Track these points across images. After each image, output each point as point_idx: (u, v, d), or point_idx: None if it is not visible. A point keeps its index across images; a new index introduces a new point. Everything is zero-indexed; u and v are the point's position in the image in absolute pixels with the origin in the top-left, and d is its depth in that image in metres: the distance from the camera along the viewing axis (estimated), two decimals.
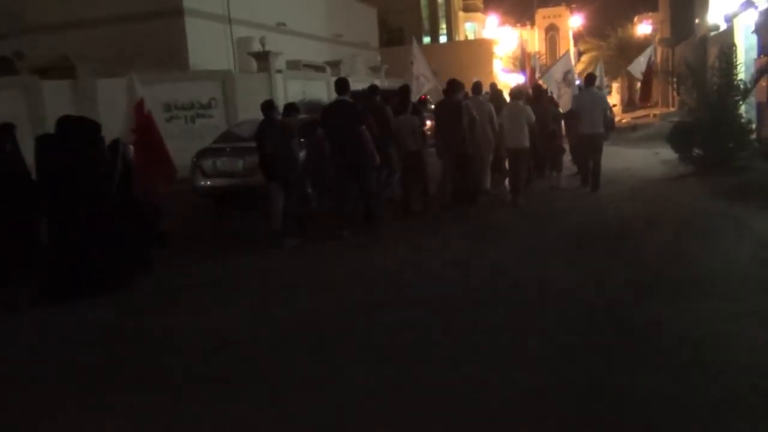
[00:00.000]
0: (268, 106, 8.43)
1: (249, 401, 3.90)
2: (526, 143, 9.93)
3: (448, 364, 4.25)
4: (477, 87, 10.78)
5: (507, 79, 34.95)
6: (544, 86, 13.67)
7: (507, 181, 10.94)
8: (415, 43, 13.99)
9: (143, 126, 8.21)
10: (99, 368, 4.59)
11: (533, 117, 10.03)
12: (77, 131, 6.63)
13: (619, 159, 14.44)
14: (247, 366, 4.44)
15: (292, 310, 5.60)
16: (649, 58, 18.50)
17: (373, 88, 9.97)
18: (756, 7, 14.68)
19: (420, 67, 13.14)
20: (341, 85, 8.51)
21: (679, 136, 12.71)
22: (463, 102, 9.73)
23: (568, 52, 18.86)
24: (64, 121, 6.70)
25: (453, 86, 9.69)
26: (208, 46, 16.21)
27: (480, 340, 4.62)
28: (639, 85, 19.45)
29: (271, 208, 8.47)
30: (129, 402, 4.02)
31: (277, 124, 8.26)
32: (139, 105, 8.28)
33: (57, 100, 11.74)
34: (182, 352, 4.79)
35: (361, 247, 7.79)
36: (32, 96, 11.93)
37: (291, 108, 8.68)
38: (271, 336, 5.00)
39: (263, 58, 16.29)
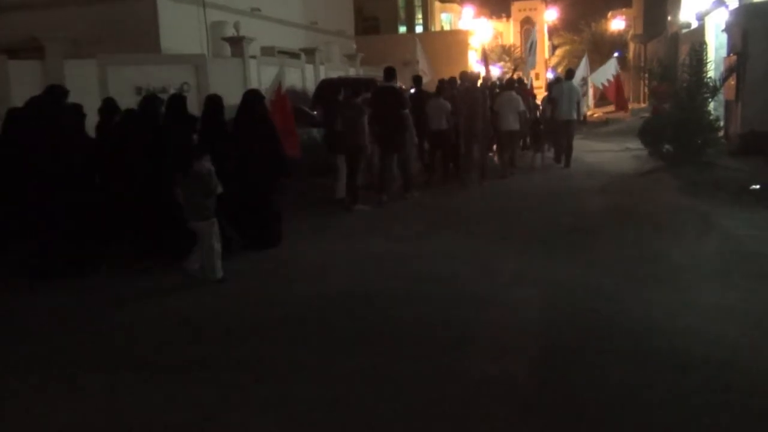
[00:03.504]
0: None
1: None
2: (517, 126, 11.77)
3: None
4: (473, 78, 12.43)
5: (481, 71, 35.04)
6: (525, 79, 15.35)
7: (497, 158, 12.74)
8: (418, 44, 16.75)
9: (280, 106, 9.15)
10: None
11: (523, 107, 11.90)
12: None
13: (590, 153, 14.61)
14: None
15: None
16: (615, 70, 18.78)
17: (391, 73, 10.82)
18: (726, 6, 14.91)
19: (423, 64, 15.89)
20: (389, 72, 9.88)
21: (649, 132, 12.91)
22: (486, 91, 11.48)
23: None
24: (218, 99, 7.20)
25: (472, 77, 11.84)
26: (181, 30, 15.90)
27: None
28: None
29: (338, 180, 9.56)
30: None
31: (349, 104, 9.32)
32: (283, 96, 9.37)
33: (23, 81, 11.44)
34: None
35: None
36: None
37: (353, 90, 9.86)
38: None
39: (237, 43, 16.07)
